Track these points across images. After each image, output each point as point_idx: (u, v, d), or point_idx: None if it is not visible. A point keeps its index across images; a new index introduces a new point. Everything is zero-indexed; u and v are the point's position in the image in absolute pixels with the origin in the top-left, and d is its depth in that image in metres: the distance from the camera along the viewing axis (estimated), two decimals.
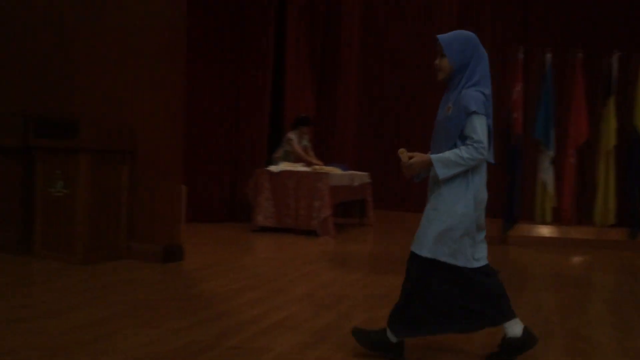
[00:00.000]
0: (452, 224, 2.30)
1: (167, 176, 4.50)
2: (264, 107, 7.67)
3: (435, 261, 2.32)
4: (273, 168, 6.72)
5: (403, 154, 2.41)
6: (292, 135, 7.19)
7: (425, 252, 2.32)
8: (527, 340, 2.39)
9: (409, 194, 9.75)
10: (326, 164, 7.16)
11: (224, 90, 7.43)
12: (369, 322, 2.96)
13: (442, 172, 2.28)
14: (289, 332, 2.74)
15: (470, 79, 2.32)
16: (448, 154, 2.28)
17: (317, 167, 6.79)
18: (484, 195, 2.39)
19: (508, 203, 6.55)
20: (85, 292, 3.39)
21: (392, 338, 2.40)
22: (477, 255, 2.37)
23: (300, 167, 6.76)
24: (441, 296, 2.35)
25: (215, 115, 7.34)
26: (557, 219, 7.03)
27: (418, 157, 2.38)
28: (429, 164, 2.33)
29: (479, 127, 2.26)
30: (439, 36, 2.37)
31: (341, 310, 3.22)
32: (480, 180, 2.36)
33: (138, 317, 2.91)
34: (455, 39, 2.35)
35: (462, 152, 2.26)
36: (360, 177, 7.55)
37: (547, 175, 6.96)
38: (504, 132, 6.68)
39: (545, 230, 6.67)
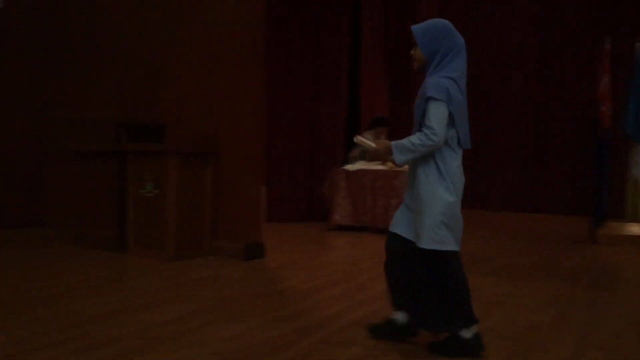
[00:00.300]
0: (436, 210, 2.35)
1: (248, 176, 4.65)
2: (340, 107, 7.73)
3: (440, 251, 2.39)
4: (349, 167, 6.77)
5: (357, 138, 2.56)
6: (367, 135, 7.21)
7: (435, 245, 2.38)
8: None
9: (488, 192, 9.51)
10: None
11: (301, 92, 7.56)
12: None
13: (398, 158, 2.38)
14: None
15: (438, 66, 2.37)
16: (403, 141, 2.37)
17: (392, 164, 6.77)
18: (461, 180, 2.43)
19: (596, 200, 6.24)
20: (175, 288, 3.58)
21: (466, 334, 2.40)
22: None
23: (376, 166, 6.77)
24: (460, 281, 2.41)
25: (292, 117, 7.49)
26: None
27: (382, 143, 2.48)
28: (390, 150, 2.40)
29: (432, 113, 2.30)
30: (412, 27, 2.44)
31: None
32: (453, 164, 2.39)
33: (224, 311, 3.04)
34: (426, 29, 2.41)
35: (413, 139, 2.34)
36: None
37: (639, 171, 6.57)
38: (591, 126, 6.37)
39: (637, 229, 6.29)
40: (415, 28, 2.43)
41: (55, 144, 6.00)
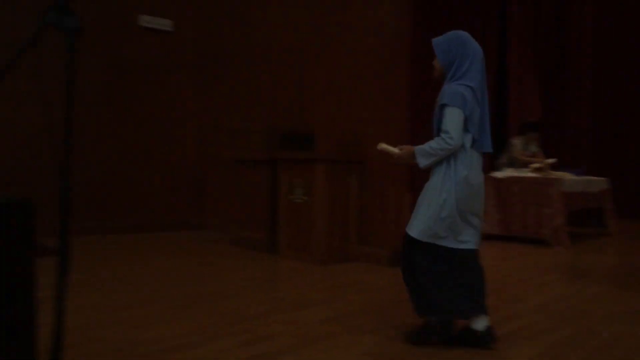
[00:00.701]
0: (435, 208, 2.50)
1: (393, 184, 4.69)
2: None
3: (418, 240, 2.53)
4: (498, 174, 6.52)
5: (381, 146, 2.73)
6: (515, 141, 6.89)
7: (413, 233, 2.54)
8: (485, 337, 2.54)
9: None
10: (556, 169, 6.69)
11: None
12: (615, 340, 2.71)
13: (421, 162, 2.56)
14: (524, 343, 2.66)
15: (455, 75, 2.52)
16: (424, 145, 2.54)
17: (535, 165, 6.40)
18: (473, 181, 2.52)
19: None
20: (324, 290, 3.72)
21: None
22: (463, 238, 2.56)
23: (526, 173, 6.44)
24: (428, 274, 2.55)
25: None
26: None
27: (406, 149, 2.67)
28: (414, 155, 2.58)
29: (448, 119, 2.46)
30: (433, 39, 2.60)
31: (582, 324, 3.00)
32: (466, 167, 2.50)
33: (371, 315, 3.10)
34: (443, 41, 2.56)
35: (432, 143, 2.51)
36: (597, 182, 6.88)
37: None
38: None
39: None
40: (435, 40, 2.60)
41: (217, 152, 6.55)
